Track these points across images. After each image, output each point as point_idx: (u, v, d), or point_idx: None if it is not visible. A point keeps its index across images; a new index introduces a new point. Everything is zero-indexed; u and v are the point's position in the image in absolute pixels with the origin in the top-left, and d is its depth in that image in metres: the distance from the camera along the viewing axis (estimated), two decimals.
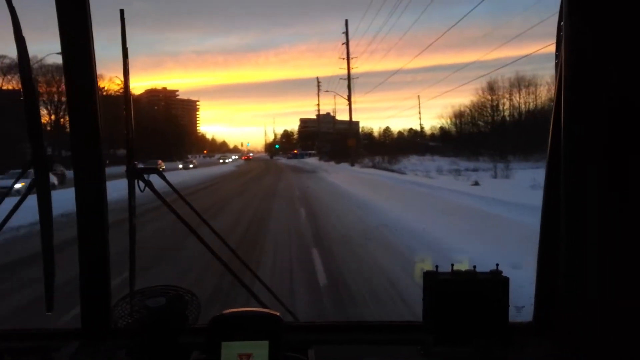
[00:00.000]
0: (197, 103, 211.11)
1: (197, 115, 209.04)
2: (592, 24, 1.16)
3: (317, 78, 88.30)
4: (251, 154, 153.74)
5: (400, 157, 47.54)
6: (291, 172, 41.40)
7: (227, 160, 77.74)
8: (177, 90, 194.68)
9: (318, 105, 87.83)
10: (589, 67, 1.16)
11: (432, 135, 69.90)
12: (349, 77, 50.50)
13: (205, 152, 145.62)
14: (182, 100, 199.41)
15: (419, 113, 71.51)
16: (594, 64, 1.15)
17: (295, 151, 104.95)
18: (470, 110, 56.75)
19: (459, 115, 59.02)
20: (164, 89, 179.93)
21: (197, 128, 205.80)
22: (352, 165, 45.90)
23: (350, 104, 50.02)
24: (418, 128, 74.53)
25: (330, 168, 44.53)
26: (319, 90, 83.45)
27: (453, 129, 61.29)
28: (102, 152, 1.51)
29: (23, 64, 1.51)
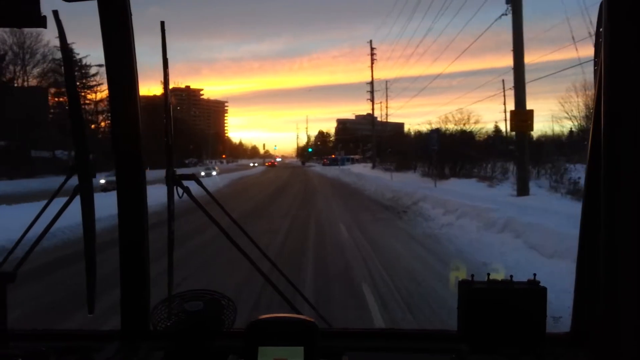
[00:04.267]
0: (226, 105, 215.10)
1: (226, 118, 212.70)
2: (633, 30, 1.28)
3: (370, 41, 66.29)
4: (278, 159, 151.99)
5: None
6: (346, 210, 17.75)
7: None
8: (202, 90, 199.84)
9: (372, 83, 67.89)
10: (630, 73, 1.29)
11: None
12: None
13: (223, 156, 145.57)
14: (208, 101, 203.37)
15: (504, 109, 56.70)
16: (634, 71, 1.28)
17: (333, 155, 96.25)
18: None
19: None
20: (187, 87, 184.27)
21: (226, 131, 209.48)
22: (524, 191, 18.50)
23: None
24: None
25: (462, 197, 16.48)
26: (372, 56, 65.87)
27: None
28: (142, 158, 1.74)
29: (68, 72, 1.77)
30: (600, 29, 1.44)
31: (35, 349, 1.62)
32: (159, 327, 1.66)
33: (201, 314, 1.62)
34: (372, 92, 69.27)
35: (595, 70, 1.54)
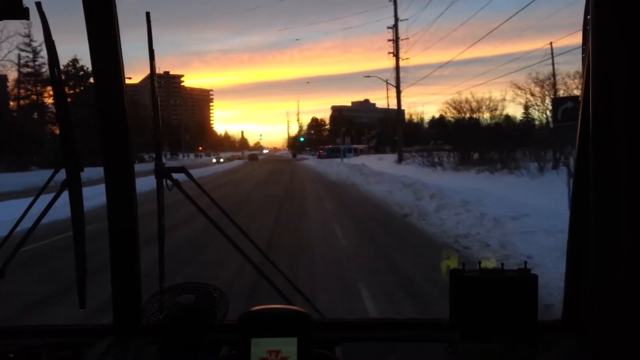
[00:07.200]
0: (211, 93, 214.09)
1: (211, 108, 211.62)
2: (620, 17, 1.39)
3: None
4: (265, 151, 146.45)
5: None
6: None
7: None
8: (182, 76, 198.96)
9: (396, 26, 51.04)
10: (617, 60, 1.40)
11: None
12: None
13: (200, 149, 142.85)
14: (191, 89, 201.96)
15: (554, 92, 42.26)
16: (622, 58, 1.39)
17: (330, 145, 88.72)
18: None
19: None
20: (167, 73, 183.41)
21: (211, 122, 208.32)
22: None
23: None
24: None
25: None
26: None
27: None
28: (131, 150, 1.85)
29: (53, 66, 1.87)
30: (588, 17, 1.54)
31: (28, 345, 1.73)
32: (152, 320, 1.77)
33: (193, 306, 1.73)
34: (396, 42, 51.59)
35: (583, 58, 1.66)
